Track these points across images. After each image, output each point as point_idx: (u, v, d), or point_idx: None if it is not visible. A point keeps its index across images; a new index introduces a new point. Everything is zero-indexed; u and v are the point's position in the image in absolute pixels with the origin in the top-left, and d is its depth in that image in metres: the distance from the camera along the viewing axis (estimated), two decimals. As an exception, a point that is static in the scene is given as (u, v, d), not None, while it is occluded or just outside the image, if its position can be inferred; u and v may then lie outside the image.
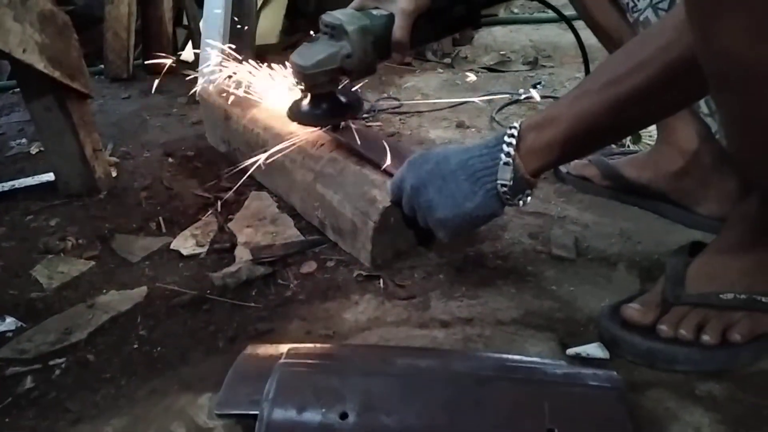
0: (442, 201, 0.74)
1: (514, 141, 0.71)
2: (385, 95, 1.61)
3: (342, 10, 0.89)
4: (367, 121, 1.44)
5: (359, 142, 0.94)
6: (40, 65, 0.97)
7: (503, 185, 0.71)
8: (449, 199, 0.73)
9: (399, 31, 0.89)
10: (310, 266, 0.90)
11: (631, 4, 0.89)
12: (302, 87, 0.93)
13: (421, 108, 1.52)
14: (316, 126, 1.00)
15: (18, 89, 1.64)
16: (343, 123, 1.00)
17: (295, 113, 0.98)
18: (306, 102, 0.96)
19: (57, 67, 1.00)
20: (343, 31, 0.87)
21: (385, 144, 0.93)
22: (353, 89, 1.03)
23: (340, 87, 0.96)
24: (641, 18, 0.88)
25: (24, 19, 0.93)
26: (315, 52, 0.88)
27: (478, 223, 0.77)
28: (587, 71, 1.06)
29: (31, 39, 0.95)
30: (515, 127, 0.71)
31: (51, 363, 0.73)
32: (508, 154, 0.70)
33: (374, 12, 0.90)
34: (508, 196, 0.72)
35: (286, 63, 0.99)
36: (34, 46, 0.95)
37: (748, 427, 0.59)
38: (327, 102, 0.96)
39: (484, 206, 0.73)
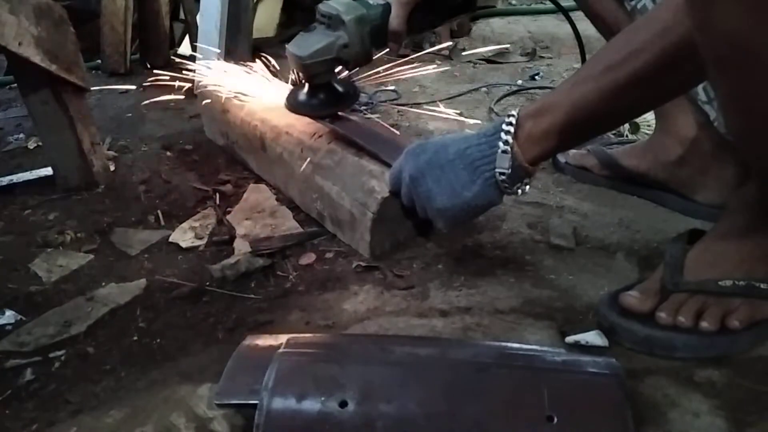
0: (441, 190, 0.74)
1: (512, 129, 0.70)
2: (383, 88, 1.61)
3: (338, 0, 0.89)
4: (365, 114, 1.44)
5: (358, 133, 0.94)
6: (37, 58, 0.97)
7: (501, 174, 0.71)
8: (447, 188, 0.73)
9: (395, 20, 0.89)
10: (309, 258, 0.90)
11: (628, -8, 0.89)
12: (300, 77, 0.93)
13: (420, 100, 1.51)
14: (313, 116, 1.00)
15: (15, 85, 1.63)
16: (340, 113, 1.00)
17: (293, 103, 0.98)
18: (303, 92, 0.96)
19: (53, 60, 0.99)
20: (340, 21, 0.87)
21: (383, 134, 0.93)
22: (351, 79, 1.02)
23: (339, 77, 0.96)
24: (639, 6, 0.88)
25: (19, 11, 0.93)
26: (312, 42, 0.88)
27: (476, 213, 0.77)
28: (584, 62, 1.06)
29: (27, 32, 0.94)
30: (513, 116, 0.71)
31: (51, 355, 0.74)
32: (506, 143, 0.70)
33: (370, 1, 0.90)
34: (507, 185, 0.72)
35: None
36: (30, 39, 0.95)
37: (747, 413, 0.60)
38: (324, 92, 0.95)
39: (483, 195, 0.73)
